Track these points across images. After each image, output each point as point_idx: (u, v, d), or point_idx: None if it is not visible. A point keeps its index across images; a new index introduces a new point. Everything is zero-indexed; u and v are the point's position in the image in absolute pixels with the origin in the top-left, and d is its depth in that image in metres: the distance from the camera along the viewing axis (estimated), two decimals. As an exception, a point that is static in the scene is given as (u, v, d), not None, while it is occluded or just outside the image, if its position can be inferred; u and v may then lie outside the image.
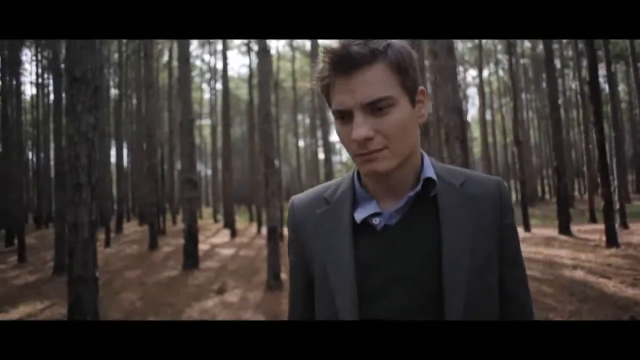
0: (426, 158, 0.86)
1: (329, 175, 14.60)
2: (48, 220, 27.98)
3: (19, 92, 16.04)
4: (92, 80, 4.21)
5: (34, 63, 28.75)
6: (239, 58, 72.35)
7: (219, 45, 30.60)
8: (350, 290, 0.79)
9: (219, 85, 35.89)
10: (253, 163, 21.64)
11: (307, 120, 39.98)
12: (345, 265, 0.80)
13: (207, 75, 37.63)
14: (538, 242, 10.92)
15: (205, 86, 39.36)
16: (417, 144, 0.83)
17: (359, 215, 0.83)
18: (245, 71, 38.16)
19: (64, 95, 12.20)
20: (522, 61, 32.16)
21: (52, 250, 13.86)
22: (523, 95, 33.91)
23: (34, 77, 30.02)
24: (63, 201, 11.40)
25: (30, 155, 31.58)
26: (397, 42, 0.79)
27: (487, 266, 0.81)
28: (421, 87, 0.82)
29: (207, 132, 42.14)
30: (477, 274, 0.79)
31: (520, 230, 13.50)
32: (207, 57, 35.40)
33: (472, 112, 48.01)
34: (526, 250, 9.89)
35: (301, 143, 36.76)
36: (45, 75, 28.77)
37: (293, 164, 41.35)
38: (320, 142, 23.37)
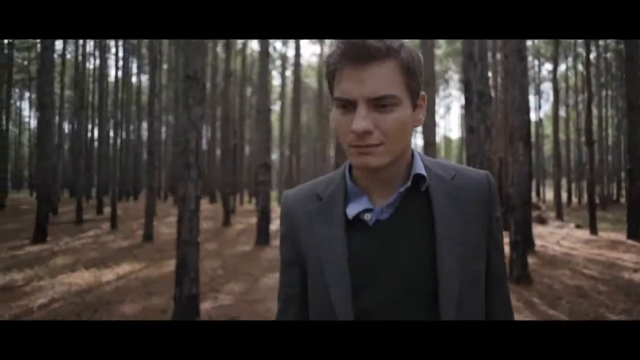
0: (416, 154, 0.89)
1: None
2: (128, 193, 30.61)
3: (118, 77, 17.61)
4: (201, 78, 5.02)
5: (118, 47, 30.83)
6: (308, 46, 73.37)
7: (290, 34, 31.58)
8: (344, 284, 0.82)
9: (288, 73, 37.13)
10: (322, 149, 22.36)
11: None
12: (339, 260, 0.83)
13: (278, 62, 38.98)
14: (602, 245, 10.80)
15: (274, 73, 40.72)
16: (409, 144, 0.87)
17: (351, 211, 0.86)
18: (315, 60, 39.04)
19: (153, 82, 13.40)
20: (605, 55, 30.43)
21: (136, 220, 15.46)
22: (603, 92, 32.13)
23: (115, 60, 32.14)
24: (150, 176, 12.72)
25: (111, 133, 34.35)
26: (408, 44, 0.81)
27: (476, 255, 0.85)
28: (422, 93, 0.86)
29: (274, 117, 43.58)
30: (468, 263, 0.82)
31: (586, 233, 13.27)
32: (278, 45, 36.49)
33: (545, 108, 45.92)
34: (588, 252, 9.89)
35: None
36: (130, 59, 31.01)
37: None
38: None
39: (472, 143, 4.23)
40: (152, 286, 6.62)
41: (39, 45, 25.59)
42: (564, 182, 32.34)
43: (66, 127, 35.84)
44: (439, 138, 50.30)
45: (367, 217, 0.85)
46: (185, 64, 5.11)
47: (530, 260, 7.58)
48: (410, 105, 0.82)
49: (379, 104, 0.77)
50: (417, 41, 18.41)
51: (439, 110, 51.87)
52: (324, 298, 0.84)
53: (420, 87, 0.84)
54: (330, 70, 0.81)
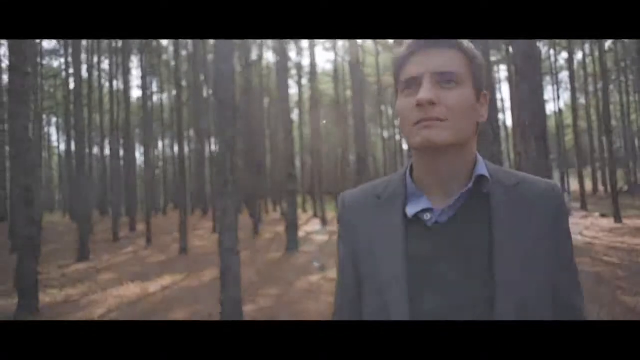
0: (479, 157, 0.86)
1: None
2: (156, 209, 31.66)
3: (145, 99, 18.41)
4: (231, 102, 5.54)
5: (139, 68, 31.91)
6: (323, 54, 74.13)
7: (304, 42, 32.20)
8: (401, 284, 0.79)
9: (304, 81, 37.71)
10: (343, 155, 22.78)
11: (390, 111, 40.69)
12: (396, 259, 0.81)
13: (293, 72, 39.67)
14: (626, 232, 10.95)
15: (291, 82, 41.36)
16: (474, 137, 0.85)
17: (411, 210, 0.84)
18: (329, 67, 39.62)
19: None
20: (622, 40, 30.09)
21: (169, 235, 16.14)
22: (623, 77, 31.76)
23: (137, 81, 33.36)
24: (180, 193, 13.38)
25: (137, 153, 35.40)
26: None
27: (540, 270, 0.80)
28: (484, 91, 0.85)
29: (293, 126, 44.17)
30: (529, 276, 0.78)
31: (610, 221, 13.36)
32: (293, 55, 37.11)
33: (566, 97, 45.42)
34: (611, 240, 10.07)
35: (385, 134, 37.37)
36: (148, 80, 32.08)
37: (377, 156, 42.13)
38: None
39: (480, 145, 4.61)
40: (196, 294, 7.16)
41: (64, 73, 26.86)
42: (589, 171, 31.99)
43: (94, 148, 37.18)
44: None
45: (427, 216, 0.82)
46: (217, 90, 5.64)
47: (551, 250, 7.84)
48: (474, 93, 0.82)
49: (444, 79, 0.79)
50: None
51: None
52: (379, 299, 0.82)
53: (483, 81, 0.85)
54: (398, 58, 0.84)
